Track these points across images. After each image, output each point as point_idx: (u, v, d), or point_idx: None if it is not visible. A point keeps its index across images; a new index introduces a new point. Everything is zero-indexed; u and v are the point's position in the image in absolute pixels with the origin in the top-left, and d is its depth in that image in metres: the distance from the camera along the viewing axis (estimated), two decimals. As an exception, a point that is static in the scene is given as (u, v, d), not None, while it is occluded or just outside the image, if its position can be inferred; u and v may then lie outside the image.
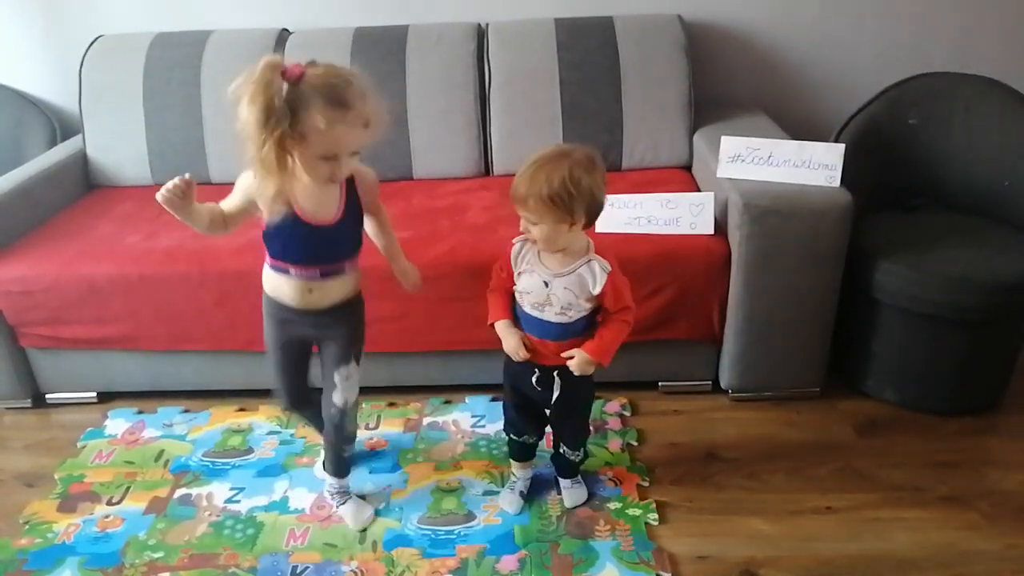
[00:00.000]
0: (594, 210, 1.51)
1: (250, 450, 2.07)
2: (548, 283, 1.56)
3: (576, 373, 1.61)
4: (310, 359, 1.76)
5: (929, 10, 2.64)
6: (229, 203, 1.53)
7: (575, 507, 1.83)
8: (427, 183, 2.52)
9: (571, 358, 1.60)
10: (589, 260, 1.56)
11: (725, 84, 2.73)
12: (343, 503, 1.82)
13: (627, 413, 2.16)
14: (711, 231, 2.03)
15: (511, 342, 1.61)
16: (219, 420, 2.19)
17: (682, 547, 1.72)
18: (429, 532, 1.77)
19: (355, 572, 1.68)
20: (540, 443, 1.85)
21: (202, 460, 2.04)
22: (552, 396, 1.69)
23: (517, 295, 1.62)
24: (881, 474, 1.91)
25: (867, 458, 1.96)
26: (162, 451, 2.08)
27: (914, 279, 1.97)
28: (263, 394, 2.22)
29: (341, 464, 1.81)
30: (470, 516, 1.81)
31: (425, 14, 2.64)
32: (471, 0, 2.66)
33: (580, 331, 1.62)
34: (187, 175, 1.40)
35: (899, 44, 2.67)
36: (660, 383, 2.24)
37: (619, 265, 1.59)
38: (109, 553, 1.75)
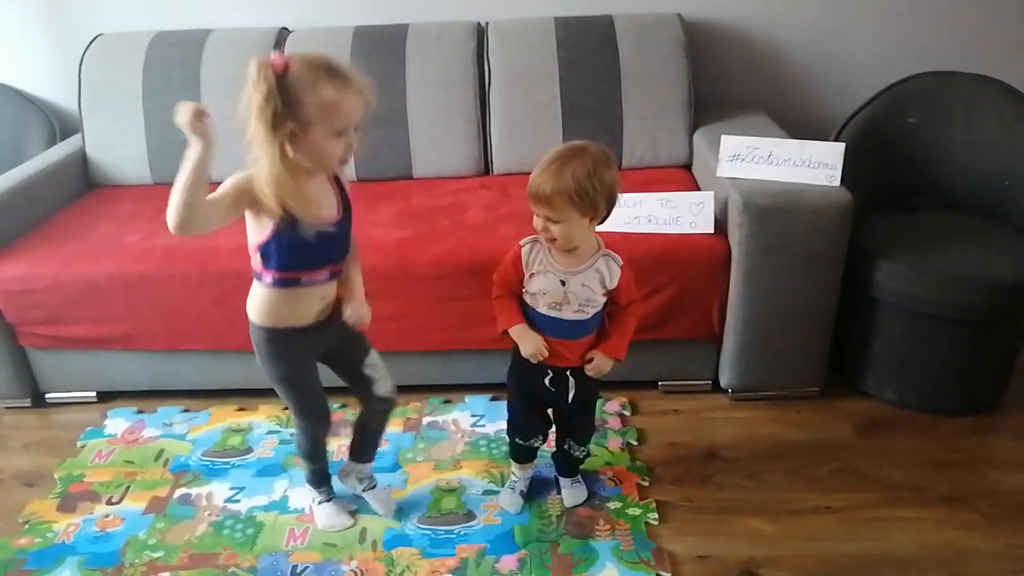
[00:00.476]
0: (612, 205, 1.52)
1: (250, 450, 2.07)
2: (565, 281, 1.56)
3: (595, 375, 1.63)
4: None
5: (929, 9, 2.63)
6: (219, 191, 1.41)
7: (575, 507, 1.83)
8: (427, 182, 2.52)
9: (590, 361, 1.62)
10: (605, 255, 1.58)
11: (725, 83, 2.73)
12: (373, 487, 1.84)
13: (627, 412, 2.16)
14: (711, 230, 2.03)
15: (532, 345, 1.59)
16: (219, 420, 2.19)
17: (682, 547, 1.72)
18: (429, 532, 1.77)
19: (355, 572, 1.68)
20: (542, 446, 1.85)
21: (202, 460, 2.04)
22: (568, 395, 1.69)
23: (529, 297, 1.61)
24: (881, 474, 1.91)
25: (867, 458, 1.96)
26: (162, 451, 2.08)
27: (914, 279, 1.97)
28: (263, 393, 2.22)
29: (375, 452, 1.83)
30: (470, 516, 1.81)
31: (425, 13, 2.64)
32: (471, -1, 2.66)
33: (595, 327, 1.63)
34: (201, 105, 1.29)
35: (899, 43, 2.67)
36: (660, 382, 2.24)
37: (626, 260, 1.61)
38: (109, 553, 1.75)
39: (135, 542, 1.78)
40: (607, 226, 1.59)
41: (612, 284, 1.58)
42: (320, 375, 1.67)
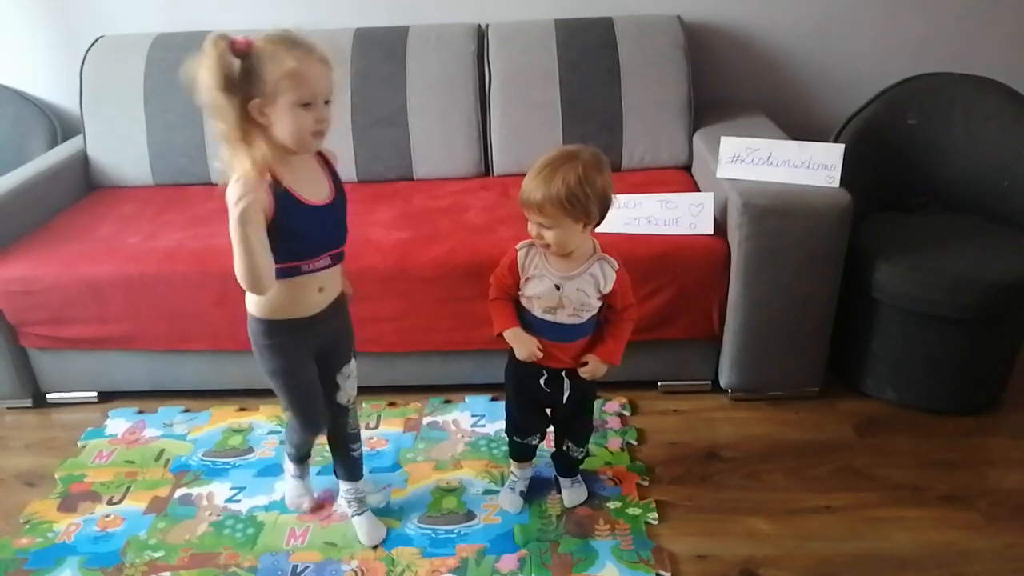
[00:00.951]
0: (606, 209, 1.52)
1: (250, 450, 2.07)
2: (560, 286, 1.57)
3: (589, 379, 1.63)
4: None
5: (929, 10, 2.64)
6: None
7: (575, 506, 1.83)
8: (427, 183, 2.52)
9: (584, 364, 1.62)
10: (599, 259, 1.58)
11: (725, 84, 2.73)
12: (360, 513, 1.78)
13: (627, 412, 2.16)
14: (711, 231, 2.03)
15: (525, 348, 1.59)
16: (219, 420, 2.20)
17: (682, 546, 1.72)
18: (429, 531, 1.77)
19: (355, 571, 1.68)
20: (541, 443, 1.85)
21: (202, 460, 2.04)
22: (562, 396, 1.70)
23: (525, 301, 1.62)
24: (880, 473, 1.91)
25: (866, 457, 1.97)
26: (162, 451, 2.08)
27: (913, 279, 1.98)
28: (263, 394, 2.23)
29: (354, 465, 1.76)
30: (470, 515, 1.82)
31: (425, 15, 2.64)
32: (471, 1, 2.66)
33: (590, 330, 1.63)
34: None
35: (899, 44, 2.68)
36: (660, 382, 2.24)
37: (622, 265, 1.61)
38: (109, 552, 1.76)
39: (136, 542, 1.78)
40: (607, 227, 1.60)
41: (607, 288, 1.58)
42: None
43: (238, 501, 1.89)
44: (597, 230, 1.58)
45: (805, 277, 2.00)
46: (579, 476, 1.87)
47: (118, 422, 2.21)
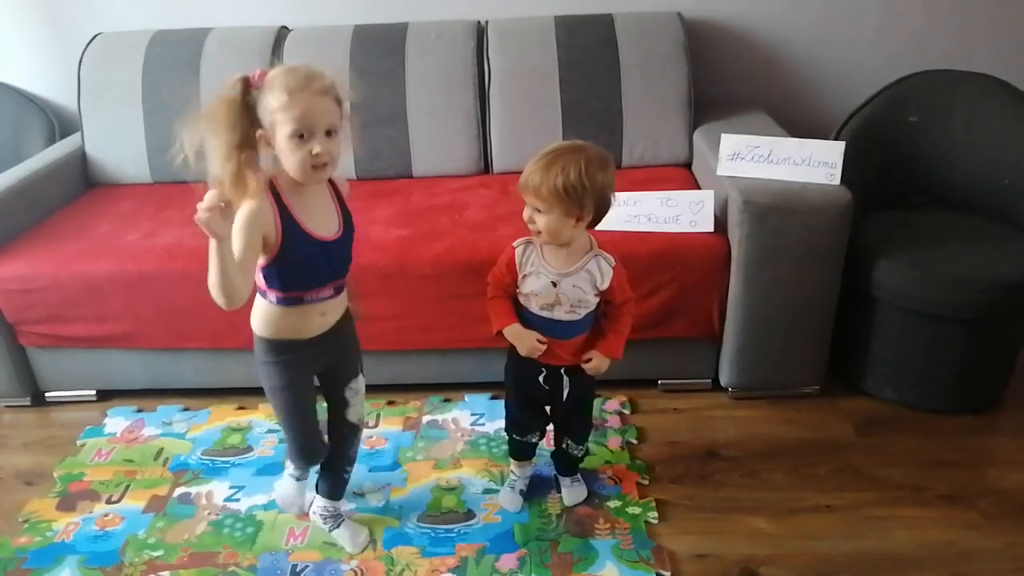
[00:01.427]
0: (602, 209, 1.52)
1: (249, 448, 2.07)
2: (556, 283, 1.57)
3: (593, 374, 1.63)
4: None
5: (929, 8, 2.63)
6: (236, 250, 1.34)
7: (575, 505, 1.83)
8: (426, 181, 2.52)
9: (588, 360, 1.62)
10: (595, 256, 1.58)
11: (725, 82, 2.72)
12: (336, 527, 1.75)
13: (627, 411, 2.16)
14: (711, 229, 2.03)
15: (526, 343, 1.60)
16: (218, 418, 2.19)
17: (682, 545, 1.72)
18: (429, 531, 1.77)
19: (355, 571, 1.68)
20: (540, 442, 1.85)
21: (201, 458, 2.04)
22: (562, 394, 1.69)
23: (522, 298, 1.62)
24: (881, 473, 1.91)
25: (866, 457, 1.96)
26: (161, 449, 2.08)
27: (914, 278, 1.97)
28: (263, 393, 2.21)
29: (341, 486, 1.75)
30: (470, 514, 1.81)
31: (425, 12, 2.63)
32: (470, -2, 2.66)
33: (588, 327, 1.63)
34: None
35: (899, 42, 2.67)
36: (660, 381, 2.24)
37: (618, 260, 1.61)
38: (108, 552, 1.75)
39: (135, 541, 1.78)
40: (606, 225, 1.59)
41: (603, 285, 1.58)
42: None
43: (237, 500, 1.89)
44: (597, 229, 1.58)
45: (805, 275, 1.99)
46: (579, 475, 1.87)
47: (117, 421, 2.21)
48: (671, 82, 2.48)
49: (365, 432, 2.07)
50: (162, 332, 2.14)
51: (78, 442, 2.13)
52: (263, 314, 1.51)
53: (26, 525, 1.84)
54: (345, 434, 1.68)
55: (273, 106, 1.32)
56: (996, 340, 2.05)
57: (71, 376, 2.26)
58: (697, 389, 2.22)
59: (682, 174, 2.44)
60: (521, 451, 1.84)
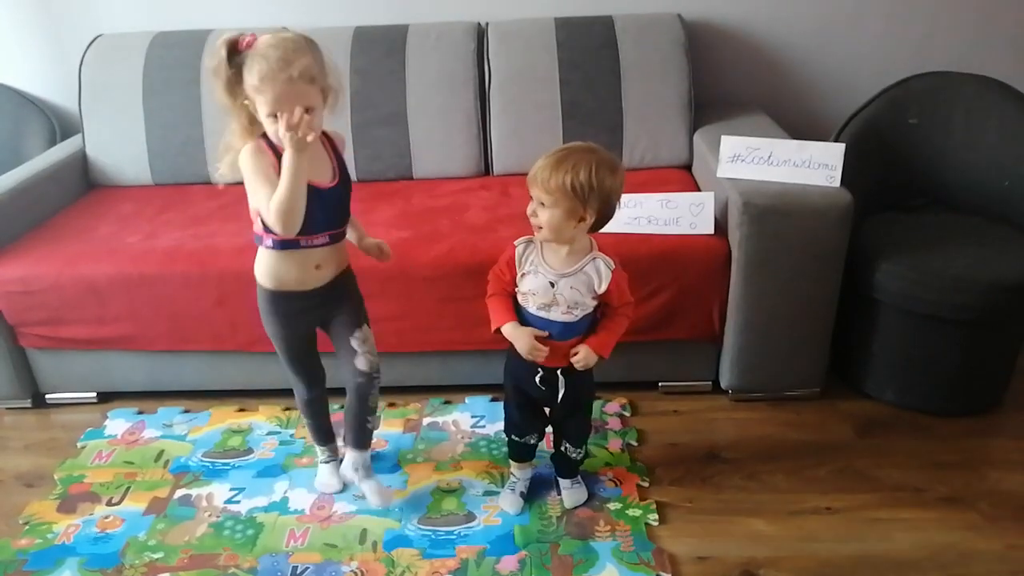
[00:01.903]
0: (605, 214, 1.54)
1: (250, 450, 2.07)
2: (554, 283, 1.57)
3: (579, 367, 1.63)
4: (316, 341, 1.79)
5: (929, 9, 2.63)
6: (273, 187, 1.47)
7: (575, 507, 1.83)
8: (427, 183, 2.52)
9: (575, 354, 1.62)
10: (594, 258, 1.58)
11: (725, 83, 2.73)
12: (366, 477, 1.79)
13: (627, 413, 2.16)
14: (711, 231, 2.03)
15: (524, 342, 1.60)
16: (219, 420, 2.19)
17: (682, 547, 1.72)
18: (429, 532, 1.77)
19: (355, 572, 1.68)
20: (540, 443, 1.85)
21: (202, 460, 2.04)
22: (557, 395, 1.69)
23: (520, 297, 1.63)
24: (881, 474, 1.91)
25: (867, 458, 1.96)
26: (162, 451, 2.08)
27: (914, 279, 1.97)
28: (263, 394, 2.23)
29: (365, 436, 1.78)
30: (470, 516, 1.81)
31: (425, 13, 2.64)
32: (471, -1, 2.66)
33: (584, 329, 1.63)
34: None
35: (899, 44, 2.67)
36: (660, 383, 2.24)
37: (619, 263, 1.60)
38: (109, 554, 1.75)
39: (135, 543, 1.78)
40: (607, 227, 1.60)
41: (601, 288, 1.57)
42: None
43: (238, 502, 1.89)
44: (599, 232, 1.58)
45: (805, 277, 1.99)
46: (579, 477, 1.87)
47: (117, 423, 2.21)
48: (671, 83, 2.48)
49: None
50: (162, 334, 2.14)
51: (78, 444, 2.13)
52: (263, 262, 1.61)
53: (26, 527, 1.84)
54: (360, 383, 1.72)
55: (250, 83, 1.43)
56: (996, 341, 2.05)
57: (72, 378, 2.26)
58: (697, 391, 2.22)
59: (682, 176, 2.44)
60: (520, 453, 1.84)
